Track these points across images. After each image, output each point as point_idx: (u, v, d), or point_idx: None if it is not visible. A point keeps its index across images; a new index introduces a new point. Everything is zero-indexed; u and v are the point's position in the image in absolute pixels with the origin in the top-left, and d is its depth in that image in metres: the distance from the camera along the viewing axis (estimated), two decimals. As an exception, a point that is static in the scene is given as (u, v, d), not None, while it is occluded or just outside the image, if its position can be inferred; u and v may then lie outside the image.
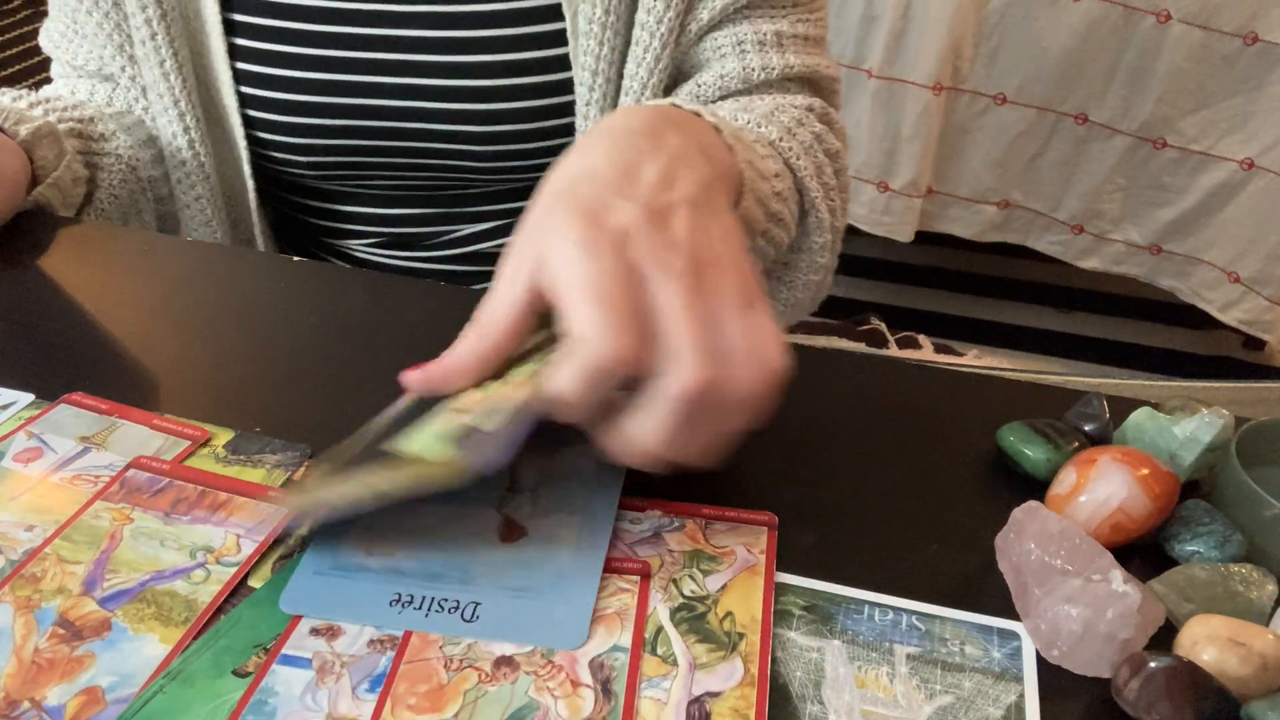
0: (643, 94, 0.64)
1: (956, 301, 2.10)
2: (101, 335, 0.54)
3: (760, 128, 0.59)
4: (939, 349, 1.17)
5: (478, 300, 0.59)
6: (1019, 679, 0.39)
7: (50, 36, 0.72)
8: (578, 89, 0.65)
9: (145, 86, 0.68)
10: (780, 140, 0.58)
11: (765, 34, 0.65)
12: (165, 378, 0.52)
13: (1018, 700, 0.38)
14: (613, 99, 0.65)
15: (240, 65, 0.67)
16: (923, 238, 1.98)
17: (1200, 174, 1.80)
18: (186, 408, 0.49)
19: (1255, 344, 1.99)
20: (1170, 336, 2.06)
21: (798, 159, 0.58)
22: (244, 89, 0.67)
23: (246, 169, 0.70)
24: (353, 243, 0.75)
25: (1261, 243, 1.79)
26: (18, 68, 2.62)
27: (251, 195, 0.71)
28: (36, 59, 2.67)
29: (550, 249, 0.36)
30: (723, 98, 0.65)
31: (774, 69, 0.65)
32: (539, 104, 0.65)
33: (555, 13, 0.64)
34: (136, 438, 0.47)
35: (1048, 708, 0.38)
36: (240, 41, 0.66)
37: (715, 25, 0.65)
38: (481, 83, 0.65)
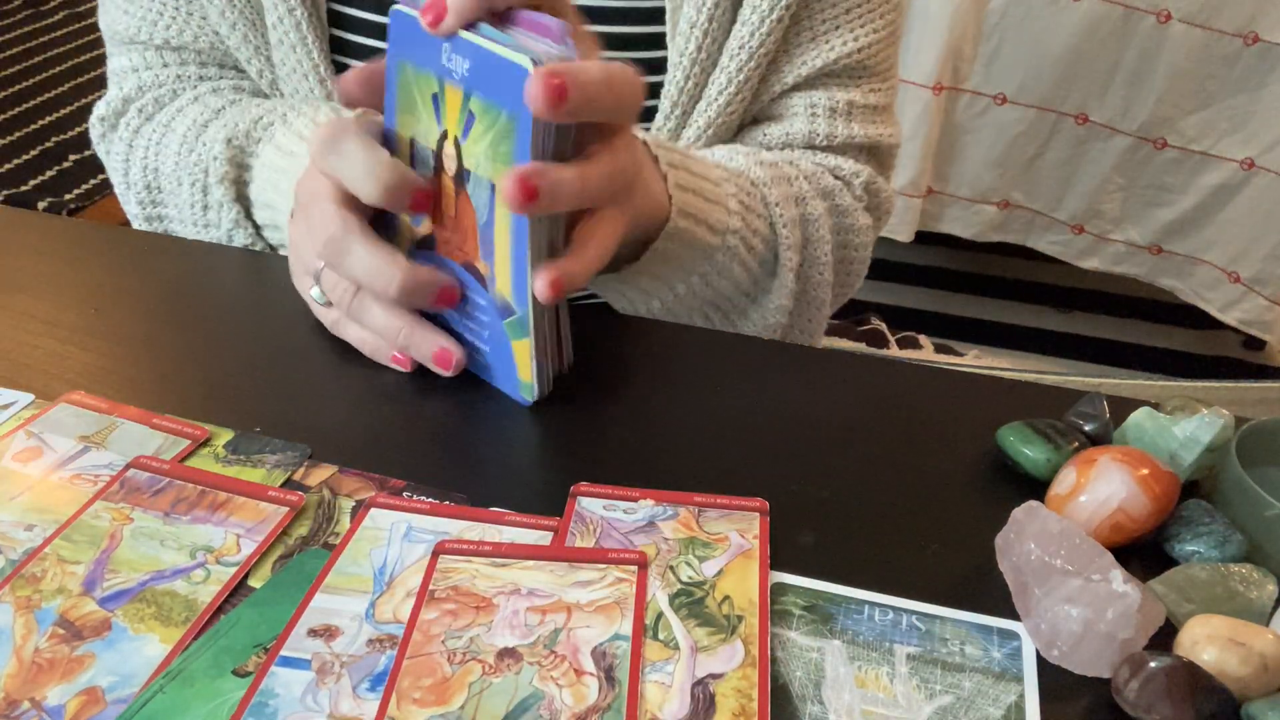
0: (706, 130, 0.66)
1: (956, 301, 2.11)
2: (101, 335, 0.54)
3: (768, 189, 0.62)
4: (939, 349, 1.17)
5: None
6: (1019, 679, 0.39)
7: (132, 20, 0.68)
8: (658, 117, 0.66)
9: (277, 76, 0.67)
10: (778, 205, 0.62)
11: (838, 102, 0.68)
12: (165, 378, 0.52)
13: (1018, 700, 0.38)
14: (675, 134, 0.67)
15: (336, 32, 0.66)
16: (923, 238, 1.98)
17: (1200, 174, 1.80)
18: (186, 407, 0.49)
19: (1255, 344, 1.99)
20: (1170, 336, 2.06)
21: (783, 226, 0.63)
22: (337, 57, 0.66)
23: None
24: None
25: (1261, 243, 1.79)
26: (18, 68, 2.62)
27: None
28: (38, 58, 2.67)
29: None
30: (781, 148, 0.69)
31: (837, 137, 0.68)
32: None
33: (656, 41, 0.65)
34: (136, 437, 0.47)
35: (1048, 708, 0.38)
36: (338, 7, 0.66)
37: (795, 87, 0.67)
38: None
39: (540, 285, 0.45)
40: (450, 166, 0.47)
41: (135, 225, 0.70)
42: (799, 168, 0.66)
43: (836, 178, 0.68)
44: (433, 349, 0.50)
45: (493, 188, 0.45)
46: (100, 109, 0.70)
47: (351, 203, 0.48)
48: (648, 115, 0.66)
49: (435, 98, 0.46)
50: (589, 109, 0.43)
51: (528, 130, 0.43)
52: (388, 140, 0.49)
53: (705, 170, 0.59)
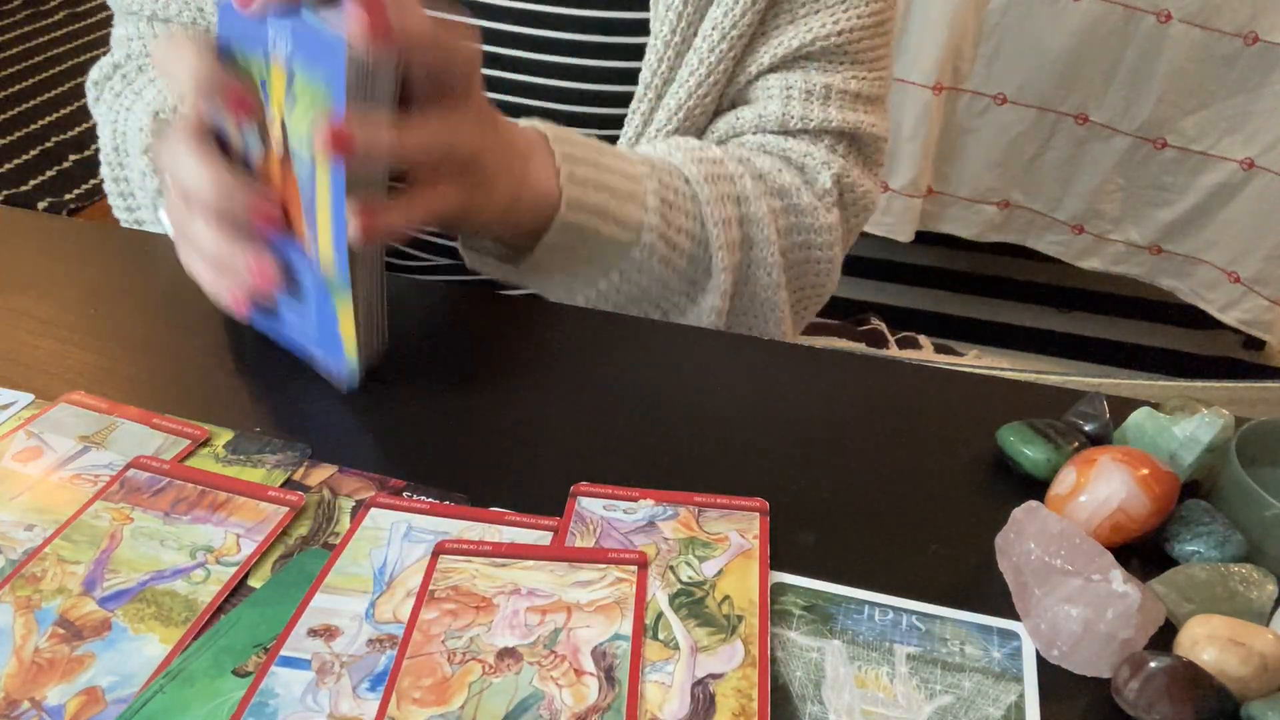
0: (677, 113, 0.65)
1: (956, 301, 2.10)
2: (101, 335, 0.54)
3: (700, 186, 0.61)
4: (939, 349, 1.17)
5: (480, 304, 0.59)
6: (1019, 679, 0.39)
7: None
8: (633, 102, 0.65)
9: None
10: (709, 204, 0.61)
11: (814, 85, 0.66)
12: (165, 378, 0.52)
13: (1018, 700, 0.38)
14: (648, 116, 0.66)
15: None
16: (923, 238, 1.98)
17: (1200, 174, 1.80)
18: (186, 407, 0.49)
19: (1255, 344, 1.99)
20: (1170, 336, 2.06)
21: (714, 225, 0.61)
22: None
23: None
24: None
25: (1261, 243, 1.79)
26: (18, 68, 2.62)
27: None
28: (38, 58, 2.67)
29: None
30: (754, 133, 0.68)
31: (811, 120, 0.66)
32: (600, 112, 0.66)
33: (640, 27, 0.64)
34: (136, 437, 0.47)
35: (1048, 708, 0.38)
36: None
37: (772, 69, 0.66)
38: (556, 83, 0.65)
39: (353, 225, 0.44)
40: (278, 149, 0.46)
41: (109, 195, 0.70)
42: (751, 165, 0.65)
43: (800, 171, 0.67)
44: (252, 264, 0.48)
45: (313, 160, 0.45)
46: (94, 73, 0.71)
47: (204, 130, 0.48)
48: (625, 101, 0.66)
49: (263, 83, 0.46)
50: (412, 46, 0.43)
51: (343, 82, 0.42)
52: (221, 135, 0.48)
53: (620, 165, 0.58)
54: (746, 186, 0.64)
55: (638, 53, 0.65)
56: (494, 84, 0.66)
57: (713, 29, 0.63)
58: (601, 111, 0.66)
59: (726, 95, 0.67)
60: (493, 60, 0.66)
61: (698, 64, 0.64)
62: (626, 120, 0.66)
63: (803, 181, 0.67)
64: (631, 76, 0.65)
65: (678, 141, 0.64)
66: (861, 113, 0.69)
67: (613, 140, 0.67)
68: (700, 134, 0.68)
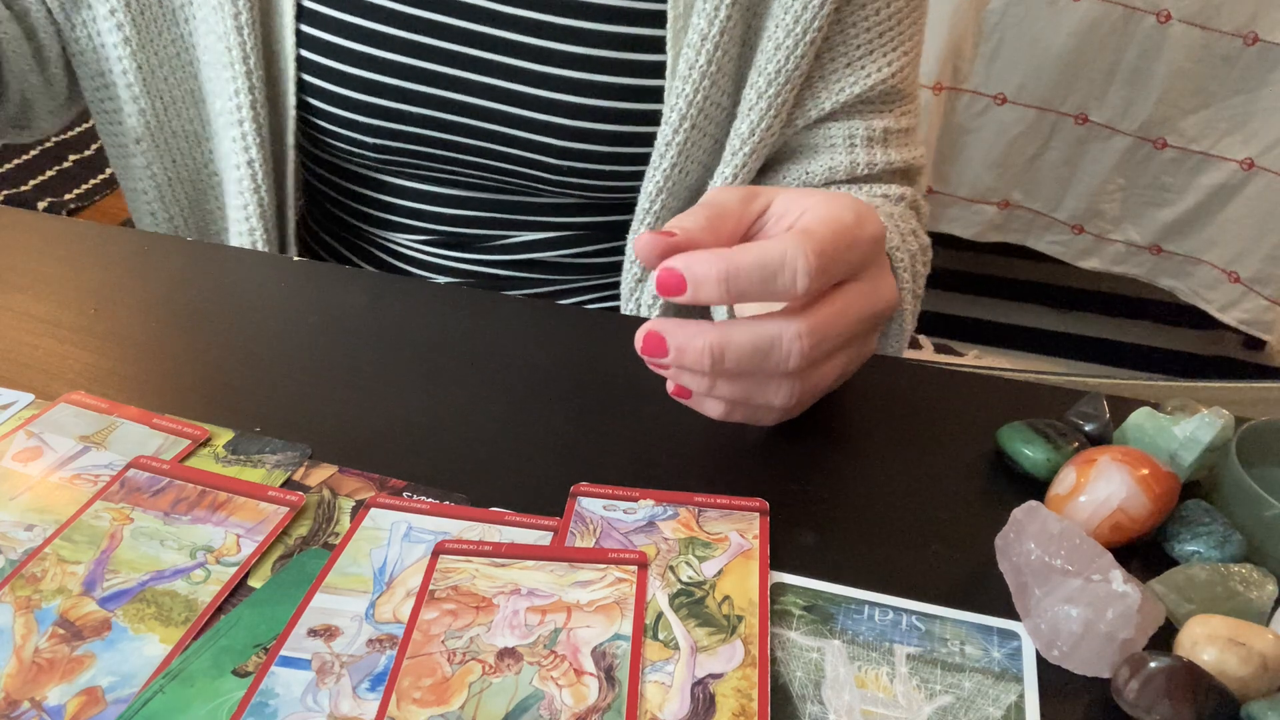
0: (740, 150, 0.65)
1: (956, 301, 2.10)
2: (101, 335, 0.54)
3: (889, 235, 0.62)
4: (939, 349, 1.17)
5: (480, 304, 0.59)
6: (1019, 679, 0.39)
7: None
8: (662, 127, 0.65)
9: (199, 41, 0.64)
10: (898, 249, 0.62)
11: (874, 130, 0.68)
12: (165, 378, 0.52)
13: (1018, 700, 0.38)
14: (701, 146, 0.65)
15: (305, 28, 0.64)
16: (923, 238, 1.98)
17: (1200, 174, 1.80)
18: (186, 408, 0.49)
19: (1255, 344, 1.99)
20: (1170, 336, 2.06)
21: (898, 252, 0.61)
22: (305, 53, 0.64)
23: (290, 138, 0.67)
24: (400, 237, 0.73)
25: (1261, 243, 1.79)
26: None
27: (290, 165, 0.68)
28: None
29: (811, 208, 0.44)
30: (825, 185, 0.68)
31: (876, 164, 0.68)
32: (624, 130, 0.65)
33: (660, 45, 0.64)
34: (136, 437, 0.47)
35: (1048, 708, 0.38)
36: (309, 4, 0.63)
37: (832, 115, 0.67)
38: (572, 99, 0.64)
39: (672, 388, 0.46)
40: None
41: None
42: (887, 200, 0.67)
43: (894, 207, 0.68)
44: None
45: None
46: None
47: None
48: (651, 119, 0.65)
49: None
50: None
51: None
52: None
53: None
54: (914, 223, 0.66)
55: (653, 71, 0.64)
56: (506, 95, 0.65)
57: (776, 73, 0.64)
58: (628, 130, 0.65)
59: (784, 134, 0.67)
60: (505, 71, 0.64)
61: (755, 99, 0.64)
62: (658, 148, 0.65)
63: (910, 210, 0.69)
64: (655, 95, 0.65)
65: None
66: (911, 147, 0.71)
67: (644, 159, 0.66)
68: (762, 171, 0.69)
